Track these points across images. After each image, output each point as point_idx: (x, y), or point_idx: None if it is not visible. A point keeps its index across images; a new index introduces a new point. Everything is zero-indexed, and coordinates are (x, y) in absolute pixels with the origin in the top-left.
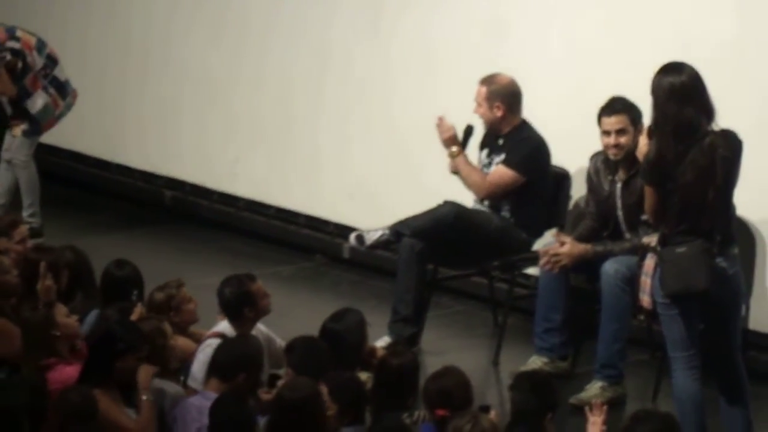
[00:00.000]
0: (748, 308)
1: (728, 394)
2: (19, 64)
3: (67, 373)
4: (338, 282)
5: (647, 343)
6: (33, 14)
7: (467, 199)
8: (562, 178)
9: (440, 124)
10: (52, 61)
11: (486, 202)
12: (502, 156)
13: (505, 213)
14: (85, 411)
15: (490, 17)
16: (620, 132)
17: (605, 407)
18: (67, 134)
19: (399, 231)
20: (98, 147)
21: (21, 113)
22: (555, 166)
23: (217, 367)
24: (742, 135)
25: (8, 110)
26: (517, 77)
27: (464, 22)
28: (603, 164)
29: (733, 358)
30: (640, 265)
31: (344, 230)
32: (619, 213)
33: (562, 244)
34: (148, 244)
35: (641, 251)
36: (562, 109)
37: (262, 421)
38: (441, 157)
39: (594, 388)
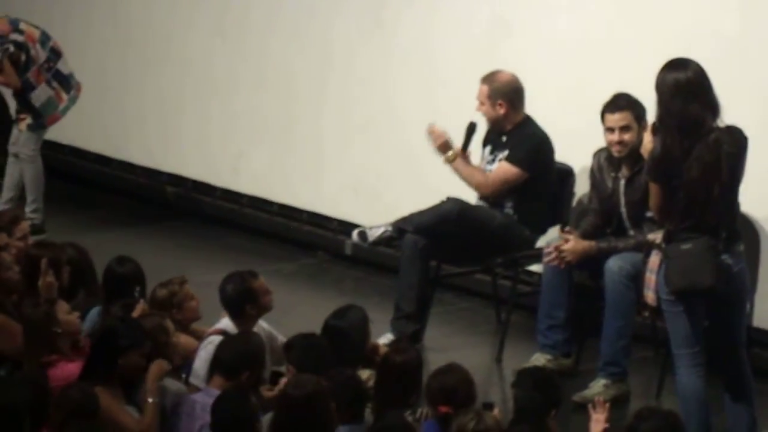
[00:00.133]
0: (752, 305)
1: (732, 391)
2: (23, 57)
3: (68, 370)
4: (341, 279)
5: (651, 340)
6: (34, 10)
7: (470, 195)
8: (566, 175)
9: (431, 131)
10: (55, 54)
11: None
12: (506, 152)
13: (509, 210)
14: (86, 408)
15: (492, 14)
16: (624, 129)
17: (608, 405)
18: (69, 130)
19: (402, 227)
20: (100, 143)
21: (26, 106)
22: (559, 163)
23: (220, 364)
24: (746, 133)
25: (14, 104)
26: (520, 74)
27: (467, 20)
28: (606, 161)
29: (737, 355)
30: (644, 262)
31: (347, 227)
32: (623, 210)
33: (567, 240)
34: (150, 240)
35: (646, 248)
36: (565, 105)
37: (264, 418)
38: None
39: (597, 386)
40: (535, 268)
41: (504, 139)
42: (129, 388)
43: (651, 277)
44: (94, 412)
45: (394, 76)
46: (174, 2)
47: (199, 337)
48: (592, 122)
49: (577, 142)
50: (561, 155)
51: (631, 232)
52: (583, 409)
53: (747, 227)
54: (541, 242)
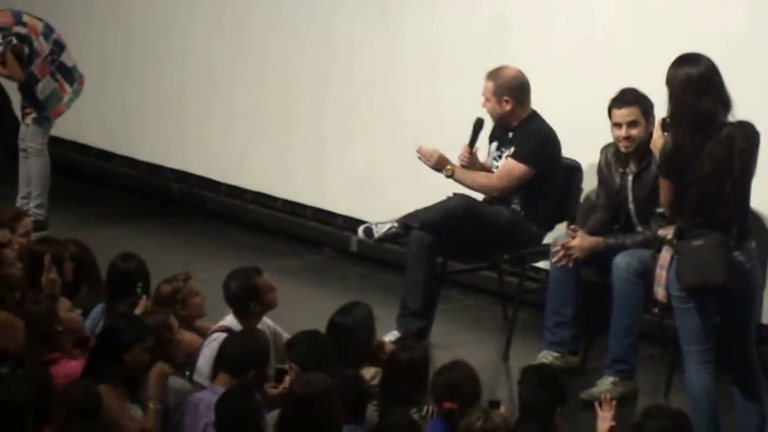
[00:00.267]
0: (761, 302)
1: (742, 389)
2: (26, 50)
3: (71, 367)
4: (346, 275)
5: (659, 337)
6: (36, 6)
7: (476, 191)
8: (574, 171)
9: (421, 153)
10: (59, 46)
11: None
12: (512, 149)
13: (516, 206)
14: (89, 406)
15: (495, 11)
16: (631, 124)
17: (614, 402)
18: (71, 126)
19: (408, 224)
20: (103, 139)
21: (30, 100)
22: (566, 159)
23: (226, 362)
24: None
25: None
26: (526, 70)
27: (470, 17)
28: (614, 156)
29: (747, 353)
30: (655, 258)
31: (352, 223)
32: (631, 206)
33: (574, 237)
34: (153, 236)
35: (657, 244)
36: (572, 101)
37: (269, 415)
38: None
39: (605, 383)
40: (542, 264)
41: (510, 135)
42: (132, 386)
43: (662, 274)
44: (96, 410)
45: (397, 72)
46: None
47: (204, 334)
48: (599, 118)
49: (585, 137)
50: (568, 151)
51: (639, 228)
52: (590, 406)
53: (755, 224)
54: (548, 238)
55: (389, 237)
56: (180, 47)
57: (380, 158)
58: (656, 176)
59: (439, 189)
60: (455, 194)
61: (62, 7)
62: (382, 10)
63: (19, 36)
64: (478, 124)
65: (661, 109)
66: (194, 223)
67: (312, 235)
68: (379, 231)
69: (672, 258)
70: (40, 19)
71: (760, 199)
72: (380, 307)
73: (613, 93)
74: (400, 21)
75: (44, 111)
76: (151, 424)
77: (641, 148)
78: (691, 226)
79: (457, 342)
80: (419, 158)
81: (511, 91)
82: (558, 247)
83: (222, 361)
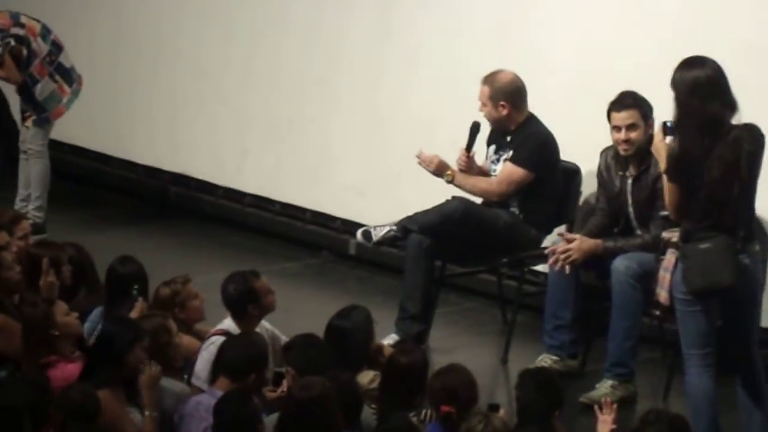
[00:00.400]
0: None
1: (746, 391)
2: (24, 52)
3: (68, 370)
4: (345, 278)
5: (658, 340)
6: (41, 6)
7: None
8: (572, 174)
9: (421, 158)
10: (56, 47)
11: None
12: (510, 152)
13: (514, 209)
14: (87, 410)
15: (499, 13)
16: (630, 127)
17: (615, 406)
18: (69, 128)
19: (406, 227)
20: (101, 141)
21: (29, 102)
22: (565, 162)
23: (226, 366)
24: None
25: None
26: (526, 73)
27: (474, 21)
28: (614, 159)
29: (750, 355)
30: (659, 260)
31: (351, 226)
32: (630, 209)
33: (570, 241)
34: (152, 239)
35: (663, 246)
36: (572, 104)
37: (267, 419)
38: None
39: (604, 387)
40: (541, 267)
41: (508, 138)
42: (130, 388)
43: (665, 276)
44: (95, 413)
45: (400, 77)
46: (182, 1)
47: (203, 337)
48: (598, 121)
49: (584, 140)
50: (567, 154)
51: (638, 231)
52: (589, 410)
53: (757, 226)
54: (547, 242)
55: (388, 240)
56: (182, 51)
57: (383, 161)
58: (656, 179)
59: (437, 193)
60: (454, 197)
61: (70, 9)
62: (388, 13)
63: (17, 37)
64: (475, 128)
65: (660, 113)
66: (192, 225)
67: (310, 238)
68: (377, 234)
69: (677, 260)
70: (38, 20)
71: (760, 201)
72: (379, 311)
73: (612, 96)
74: (404, 25)
75: (44, 112)
76: (148, 430)
77: (640, 151)
78: (698, 229)
79: (456, 345)
80: (419, 164)
81: (507, 95)
82: (554, 252)
83: (222, 365)
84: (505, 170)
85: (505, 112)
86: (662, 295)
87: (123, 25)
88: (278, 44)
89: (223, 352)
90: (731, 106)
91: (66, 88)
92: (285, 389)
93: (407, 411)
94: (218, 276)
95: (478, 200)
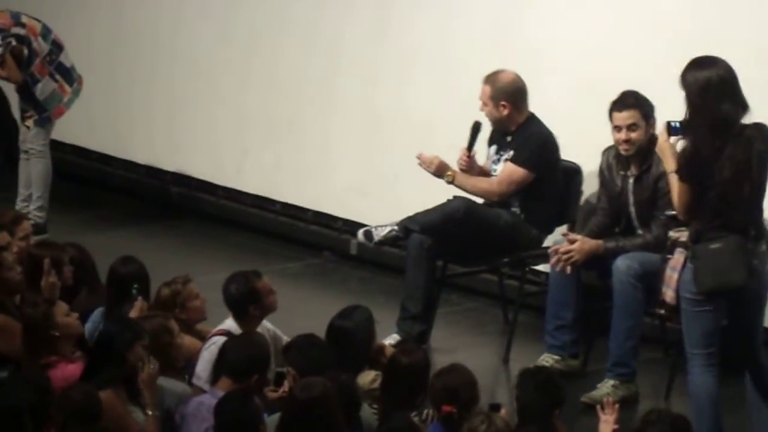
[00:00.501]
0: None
1: (752, 389)
2: (25, 51)
3: (69, 371)
4: (346, 279)
5: (660, 340)
6: (39, 6)
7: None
8: (573, 174)
9: (421, 159)
10: (57, 47)
11: None
12: (510, 153)
13: (515, 209)
14: (88, 409)
15: (500, 13)
16: (631, 127)
17: (617, 406)
18: (70, 129)
19: (408, 227)
20: (102, 142)
21: (30, 102)
22: (566, 162)
23: (228, 366)
24: None
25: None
26: (528, 73)
27: (475, 20)
28: (615, 159)
29: (757, 353)
30: (666, 260)
31: (352, 226)
32: (632, 209)
33: (572, 242)
34: (153, 240)
35: (670, 246)
36: (573, 104)
37: (269, 419)
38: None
39: (606, 387)
40: (543, 267)
41: (509, 138)
42: (131, 388)
43: (672, 276)
44: (97, 414)
45: (400, 76)
46: (181, 1)
47: (204, 337)
48: (599, 120)
49: (585, 140)
50: (568, 154)
51: (640, 231)
52: (591, 410)
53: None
54: (548, 241)
55: (389, 240)
56: (182, 50)
57: (384, 161)
58: (657, 179)
59: (438, 192)
60: (455, 197)
61: (68, 8)
62: (389, 12)
63: (18, 37)
64: (476, 128)
65: (662, 112)
66: (194, 226)
67: (312, 238)
68: (379, 234)
69: (685, 260)
70: (38, 20)
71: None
72: (380, 311)
73: (613, 96)
74: (405, 24)
75: (45, 112)
76: (151, 430)
77: (642, 151)
78: (708, 229)
79: (457, 345)
80: (420, 165)
81: (508, 95)
82: (556, 252)
83: (224, 365)
84: (505, 170)
85: (506, 112)
86: (669, 294)
87: (122, 25)
88: (277, 44)
89: (225, 352)
90: (743, 106)
91: (66, 87)
92: (286, 389)
93: (409, 411)
94: (219, 276)
95: (479, 200)
